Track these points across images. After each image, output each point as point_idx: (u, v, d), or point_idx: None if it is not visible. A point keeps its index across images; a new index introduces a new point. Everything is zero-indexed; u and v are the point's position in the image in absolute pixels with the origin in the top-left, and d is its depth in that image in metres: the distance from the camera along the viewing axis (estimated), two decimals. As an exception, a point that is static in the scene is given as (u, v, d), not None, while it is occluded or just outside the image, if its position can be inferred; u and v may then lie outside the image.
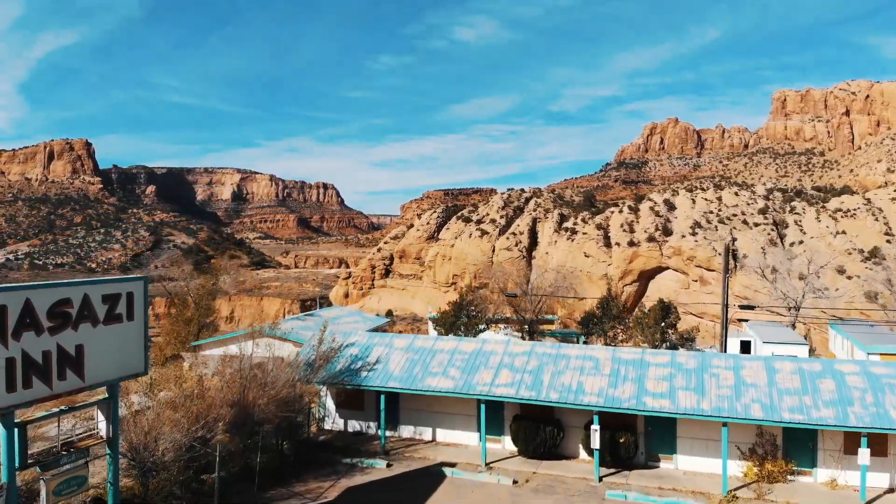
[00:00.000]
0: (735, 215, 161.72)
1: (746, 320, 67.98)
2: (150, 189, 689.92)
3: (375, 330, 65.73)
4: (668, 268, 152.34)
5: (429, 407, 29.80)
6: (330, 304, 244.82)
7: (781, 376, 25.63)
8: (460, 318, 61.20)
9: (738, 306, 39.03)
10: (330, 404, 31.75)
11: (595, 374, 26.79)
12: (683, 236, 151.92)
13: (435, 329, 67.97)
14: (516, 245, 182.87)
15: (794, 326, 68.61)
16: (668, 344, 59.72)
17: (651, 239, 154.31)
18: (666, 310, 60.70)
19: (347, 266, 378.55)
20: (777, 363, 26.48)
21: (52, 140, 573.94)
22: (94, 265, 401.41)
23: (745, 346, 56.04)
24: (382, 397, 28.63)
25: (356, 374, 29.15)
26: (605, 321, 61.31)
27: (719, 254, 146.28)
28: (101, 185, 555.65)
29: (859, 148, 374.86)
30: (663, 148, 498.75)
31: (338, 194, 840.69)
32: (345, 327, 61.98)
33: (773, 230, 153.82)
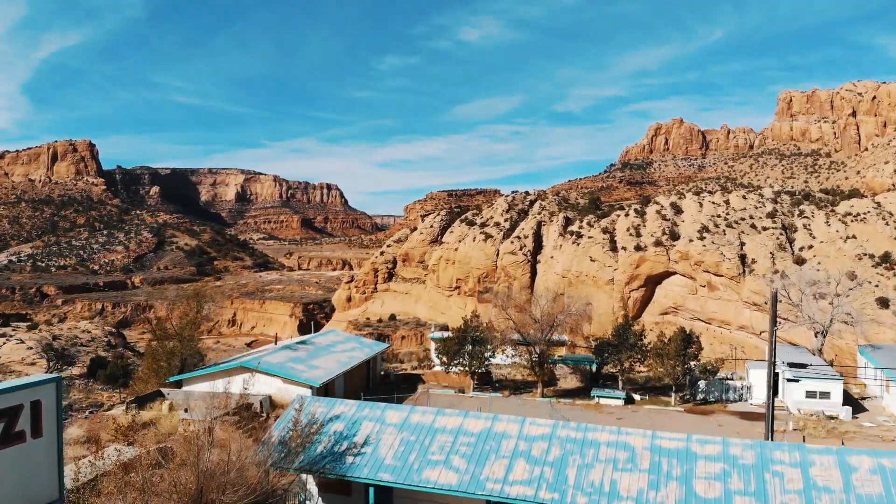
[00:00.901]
0: (743, 219, 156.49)
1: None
2: (154, 190, 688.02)
3: (375, 357, 61.55)
4: (675, 273, 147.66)
5: (428, 497, 24.99)
6: (332, 309, 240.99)
7: (858, 477, 20.88)
8: (465, 346, 56.89)
9: (787, 363, 33.99)
10: (312, 486, 27.04)
11: (631, 469, 22.00)
12: (691, 240, 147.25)
13: (437, 357, 63.44)
14: (521, 249, 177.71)
15: (820, 352, 64.01)
16: (690, 376, 55.25)
17: (658, 243, 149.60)
18: (687, 339, 56.17)
19: (351, 267, 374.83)
20: (853, 458, 21.68)
21: (56, 141, 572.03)
22: (96, 267, 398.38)
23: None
24: (372, 490, 23.89)
25: (341, 459, 24.41)
26: (622, 350, 56.98)
27: (728, 259, 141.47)
28: (104, 186, 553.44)
29: (866, 149, 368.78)
30: (668, 148, 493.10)
31: (342, 195, 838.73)
32: (340, 357, 57.80)
33: (781, 234, 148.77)
